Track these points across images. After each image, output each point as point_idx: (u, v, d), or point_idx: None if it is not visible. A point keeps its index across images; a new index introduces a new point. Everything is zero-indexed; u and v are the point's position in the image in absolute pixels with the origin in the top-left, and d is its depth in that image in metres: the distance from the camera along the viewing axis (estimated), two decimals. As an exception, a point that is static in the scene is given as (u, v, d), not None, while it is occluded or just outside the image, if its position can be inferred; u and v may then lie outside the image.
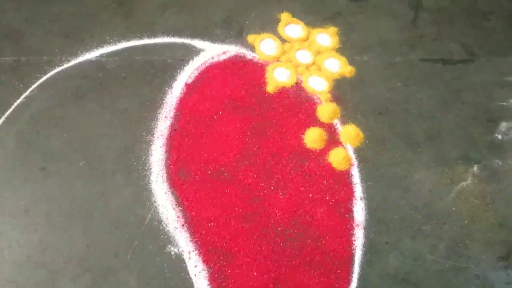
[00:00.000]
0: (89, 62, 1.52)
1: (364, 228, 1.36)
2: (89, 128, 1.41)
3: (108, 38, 1.57)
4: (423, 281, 1.30)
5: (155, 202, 1.32)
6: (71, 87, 1.46)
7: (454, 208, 1.44)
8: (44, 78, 1.46)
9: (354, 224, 1.37)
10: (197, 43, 1.62)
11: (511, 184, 1.51)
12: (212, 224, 1.31)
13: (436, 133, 1.56)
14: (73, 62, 1.51)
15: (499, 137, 1.59)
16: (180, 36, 1.63)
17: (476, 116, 1.62)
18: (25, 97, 1.42)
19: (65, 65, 1.50)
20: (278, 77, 1.58)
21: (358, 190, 1.42)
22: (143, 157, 1.38)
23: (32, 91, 1.44)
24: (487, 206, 1.46)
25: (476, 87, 1.68)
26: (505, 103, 1.66)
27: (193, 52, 1.60)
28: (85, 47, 1.55)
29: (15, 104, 1.41)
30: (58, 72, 1.49)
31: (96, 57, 1.53)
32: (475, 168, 1.53)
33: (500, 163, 1.55)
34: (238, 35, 1.65)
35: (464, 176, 1.51)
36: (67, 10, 1.61)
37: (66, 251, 1.23)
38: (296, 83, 1.58)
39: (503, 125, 1.62)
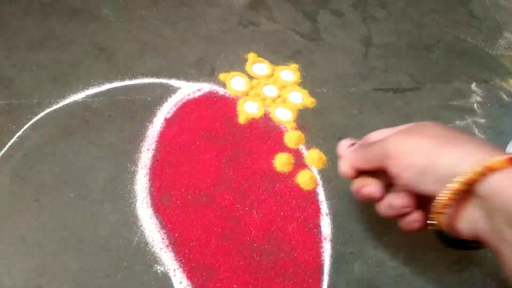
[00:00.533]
0: (76, 103, 1.59)
1: (331, 241, 1.45)
2: (78, 162, 1.47)
3: (92, 80, 1.65)
4: (385, 286, 1.39)
5: (141, 226, 1.38)
6: (60, 126, 1.52)
7: (410, 219, 1.57)
8: (35, 119, 1.52)
9: (322, 237, 1.45)
10: (173, 82, 1.71)
11: (460, 196, 1.66)
12: (194, 243, 1.38)
13: (390, 153, 1.70)
14: (61, 103, 1.58)
15: (447, 154, 1.75)
16: (158, 76, 1.72)
17: (425, 137, 1.77)
18: (18, 137, 1.48)
19: (54, 107, 1.56)
20: (248, 110, 1.69)
21: (324, 206, 1.52)
22: (129, 186, 1.45)
23: (24, 131, 1.49)
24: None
25: (423, 111, 1.81)
26: (450, 125, 1.79)
27: (171, 90, 1.69)
28: (71, 90, 1.61)
29: (9, 143, 1.46)
30: (47, 113, 1.55)
31: (82, 98, 1.61)
32: (426, 183, 1.67)
33: (449, 177, 1.70)
34: (210, 74, 1.76)
35: (417, 190, 1.64)
36: (53, 57, 1.69)
37: (61, 274, 1.27)
38: (264, 115, 1.70)
39: (450, 144, 1.78)
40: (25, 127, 1.51)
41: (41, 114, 1.55)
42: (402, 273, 1.43)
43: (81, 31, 1.81)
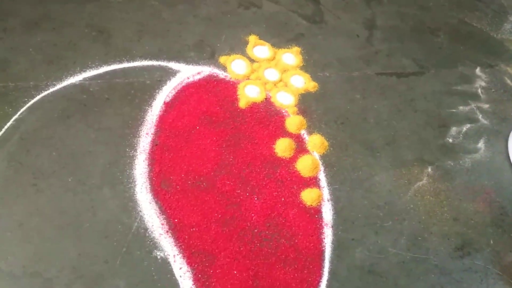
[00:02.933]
0: (73, 86, 1.57)
1: (332, 227, 1.45)
2: (76, 146, 1.45)
3: (90, 63, 1.63)
4: (387, 272, 1.39)
5: (140, 211, 1.38)
6: (57, 109, 1.51)
7: (412, 206, 1.54)
8: (32, 101, 1.51)
9: (323, 224, 1.45)
10: (173, 65, 1.69)
11: (462, 182, 1.63)
12: (194, 229, 1.38)
13: (393, 139, 1.67)
14: (58, 86, 1.56)
15: (450, 140, 1.72)
16: (157, 59, 1.69)
17: (429, 122, 1.74)
18: (15, 120, 1.46)
19: (51, 89, 1.54)
20: (249, 94, 1.67)
21: (325, 192, 1.51)
22: (128, 171, 1.44)
23: (21, 114, 1.48)
24: (441, 202, 1.57)
25: (427, 96, 1.80)
26: (454, 110, 1.80)
27: (170, 73, 1.67)
28: (69, 72, 1.59)
29: (6, 127, 1.45)
30: (44, 96, 1.53)
31: (80, 80, 1.58)
32: (429, 169, 1.64)
33: (452, 163, 1.67)
34: (210, 57, 1.73)
35: (420, 176, 1.62)
36: (50, 39, 1.66)
37: (59, 260, 1.27)
38: (266, 99, 1.68)
39: (453, 130, 1.75)
40: (22, 110, 1.48)
41: (38, 97, 1.52)
42: (404, 260, 1.43)
43: (78, 12, 1.77)
